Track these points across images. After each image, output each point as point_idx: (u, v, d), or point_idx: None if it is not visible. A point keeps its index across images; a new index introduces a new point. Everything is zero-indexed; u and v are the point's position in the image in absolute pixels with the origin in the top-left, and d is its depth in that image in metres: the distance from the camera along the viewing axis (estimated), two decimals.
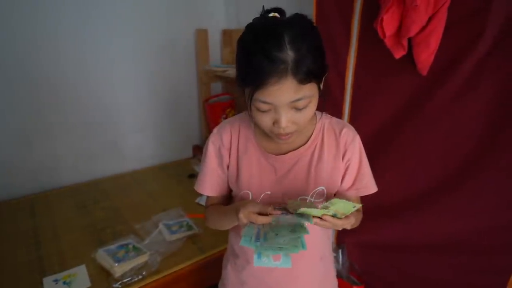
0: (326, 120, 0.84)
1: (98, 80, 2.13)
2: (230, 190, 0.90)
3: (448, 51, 1.05)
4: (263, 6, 0.70)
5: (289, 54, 0.61)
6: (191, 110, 2.64)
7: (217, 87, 2.68)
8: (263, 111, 0.68)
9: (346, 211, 0.66)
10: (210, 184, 0.87)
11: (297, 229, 0.67)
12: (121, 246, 1.44)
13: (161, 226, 1.59)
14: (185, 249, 1.49)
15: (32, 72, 1.89)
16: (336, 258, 1.53)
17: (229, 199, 0.93)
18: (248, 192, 0.82)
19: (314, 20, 1.43)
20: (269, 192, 0.81)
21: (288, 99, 0.64)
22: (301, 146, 0.81)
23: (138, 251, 1.42)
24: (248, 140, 0.83)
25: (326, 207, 0.65)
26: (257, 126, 0.82)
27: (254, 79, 0.63)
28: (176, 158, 2.58)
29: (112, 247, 1.43)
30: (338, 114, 1.45)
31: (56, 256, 1.44)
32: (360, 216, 0.87)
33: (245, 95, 0.69)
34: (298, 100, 0.65)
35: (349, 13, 1.31)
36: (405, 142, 1.27)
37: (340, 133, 0.81)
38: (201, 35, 2.44)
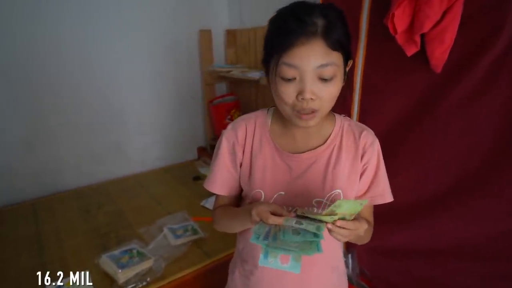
0: (345, 122, 0.82)
1: (102, 81, 2.11)
2: (240, 191, 0.86)
3: (463, 48, 1.01)
4: None
5: (320, 19, 0.62)
6: (195, 111, 2.61)
7: (221, 87, 2.65)
8: (288, 80, 0.65)
9: (354, 211, 0.62)
10: (220, 182, 0.84)
11: (309, 235, 0.63)
12: (125, 252, 1.41)
13: (165, 230, 1.56)
14: (190, 254, 1.46)
15: (34, 73, 1.87)
16: (346, 263, 1.48)
17: (239, 200, 0.89)
18: (261, 191, 0.78)
19: None
20: (282, 193, 0.77)
21: (315, 63, 0.63)
22: (318, 146, 0.78)
23: (142, 256, 1.38)
24: (263, 137, 0.80)
25: (332, 212, 0.60)
26: (274, 121, 0.81)
27: (282, 42, 0.63)
28: (180, 160, 2.54)
29: (116, 252, 1.40)
30: (346, 114, 1.39)
31: (59, 261, 1.42)
32: (371, 230, 0.83)
33: (270, 69, 0.69)
34: (325, 65, 0.63)
35: (357, 10, 1.27)
36: (417, 143, 1.22)
37: (359, 135, 0.79)
38: (205, 36, 2.41)
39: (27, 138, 1.93)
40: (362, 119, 1.38)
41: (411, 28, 1.03)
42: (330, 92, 0.67)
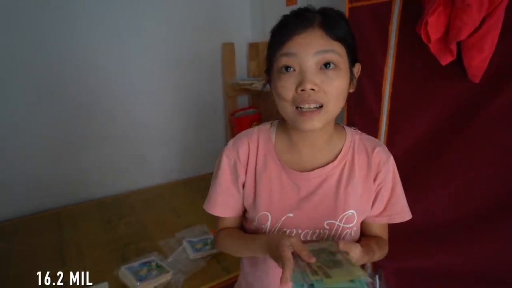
0: (356, 136, 0.74)
1: (125, 94, 2.15)
2: (244, 210, 0.80)
3: (504, 56, 0.94)
4: None
5: (318, 15, 0.62)
6: (217, 123, 2.60)
7: (243, 100, 2.64)
8: (286, 70, 0.61)
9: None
10: (221, 204, 0.77)
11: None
12: (144, 264, 1.39)
13: (185, 243, 1.53)
14: (209, 269, 1.42)
15: (61, 87, 1.93)
16: (373, 284, 1.39)
17: (242, 219, 0.83)
18: (267, 214, 0.71)
19: None
20: (291, 215, 0.70)
21: (315, 48, 0.59)
22: (329, 163, 0.71)
23: (161, 269, 1.36)
24: (267, 154, 0.73)
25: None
26: (278, 135, 0.75)
27: (281, 36, 0.62)
28: (202, 172, 2.53)
29: (135, 264, 1.38)
30: (374, 127, 1.34)
31: (79, 272, 1.40)
32: (385, 249, 0.77)
33: (271, 70, 0.66)
34: (325, 52, 0.60)
35: (386, 18, 1.23)
36: (452, 158, 1.14)
37: (372, 152, 0.72)
38: (228, 49, 2.42)
39: (54, 149, 1.98)
40: (391, 132, 1.32)
41: (446, 36, 0.97)
42: (335, 86, 0.61)
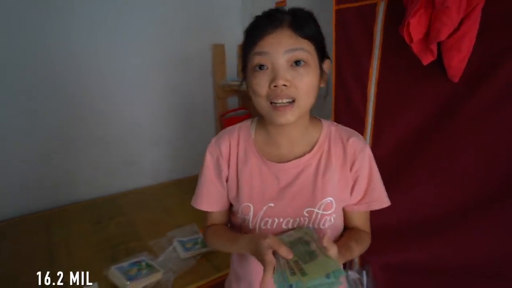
0: (332, 127, 0.78)
1: (116, 95, 2.14)
2: (230, 205, 0.84)
3: (482, 56, 0.98)
4: None
5: (288, 15, 0.66)
6: (207, 124, 2.62)
7: (233, 101, 2.66)
8: (260, 68, 0.66)
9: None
10: (207, 198, 0.81)
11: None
12: (134, 264, 1.39)
13: (175, 243, 1.54)
14: (199, 268, 1.43)
15: (51, 88, 1.91)
16: (360, 280, 1.42)
17: (230, 213, 0.87)
18: (250, 205, 0.75)
19: (333, 29, 1.41)
20: (272, 205, 0.74)
21: (285, 47, 0.64)
22: (305, 154, 0.75)
23: (151, 269, 1.36)
24: (248, 149, 0.78)
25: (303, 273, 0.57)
26: (258, 131, 0.79)
27: (253, 37, 0.66)
28: (192, 173, 2.53)
29: (125, 264, 1.38)
30: (360, 126, 1.37)
31: (68, 273, 1.40)
32: (367, 242, 0.81)
33: (246, 69, 0.70)
34: (294, 50, 0.64)
35: (371, 20, 1.26)
36: (435, 155, 1.18)
37: (347, 141, 0.76)
38: (218, 50, 2.44)
39: (43, 150, 1.96)
40: (376, 130, 1.35)
41: (427, 36, 1.01)
42: (305, 82, 0.65)
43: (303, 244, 0.64)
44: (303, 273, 0.57)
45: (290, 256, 0.59)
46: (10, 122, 1.83)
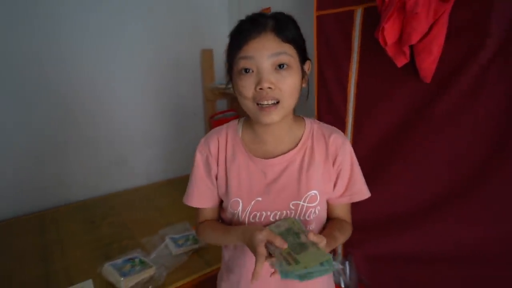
0: (315, 125, 0.84)
1: (109, 98, 2.18)
2: (220, 201, 0.88)
3: (451, 58, 1.06)
4: None
5: (270, 19, 0.70)
6: (197, 126, 2.67)
7: (222, 103, 2.72)
8: (245, 72, 0.69)
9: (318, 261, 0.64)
10: (198, 195, 0.86)
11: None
12: (128, 260, 1.42)
13: (167, 240, 1.58)
14: (191, 263, 1.47)
15: (43, 89, 1.94)
16: (344, 270, 1.49)
17: (220, 209, 0.91)
18: (238, 200, 0.79)
19: (315, 35, 1.48)
20: (260, 199, 0.79)
21: (269, 52, 0.67)
22: (290, 150, 0.80)
23: (144, 265, 1.40)
24: (235, 147, 0.82)
25: (297, 262, 0.63)
26: (245, 129, 0.83)
27: (238, 41, 0.70)
28: (183, 173, 2.58)
29: (119, 261, 1.41)
30: (341, 125, 1.45)
31: (63, 272, 1.43)
32: (349, 231, 0.87)
33: (232, 72, 0.73)
34: (278, 54, 0.68)
35: (349, 26, 1.34)
36: (411, 150, 1.26)
37: (329, 138, 0.81)
38: (207, 55, 2.50)
39: (36, 152, 1.98)
40: (356, 129, 1.43)
41: (400, 40, 1.10)
42: (289, 84, 0.69)
43: (293, 235, 0.69)
44: (298, 263, 0.63)
45: (284, 246, 0.65)
46: (1, 123, 1.85)
